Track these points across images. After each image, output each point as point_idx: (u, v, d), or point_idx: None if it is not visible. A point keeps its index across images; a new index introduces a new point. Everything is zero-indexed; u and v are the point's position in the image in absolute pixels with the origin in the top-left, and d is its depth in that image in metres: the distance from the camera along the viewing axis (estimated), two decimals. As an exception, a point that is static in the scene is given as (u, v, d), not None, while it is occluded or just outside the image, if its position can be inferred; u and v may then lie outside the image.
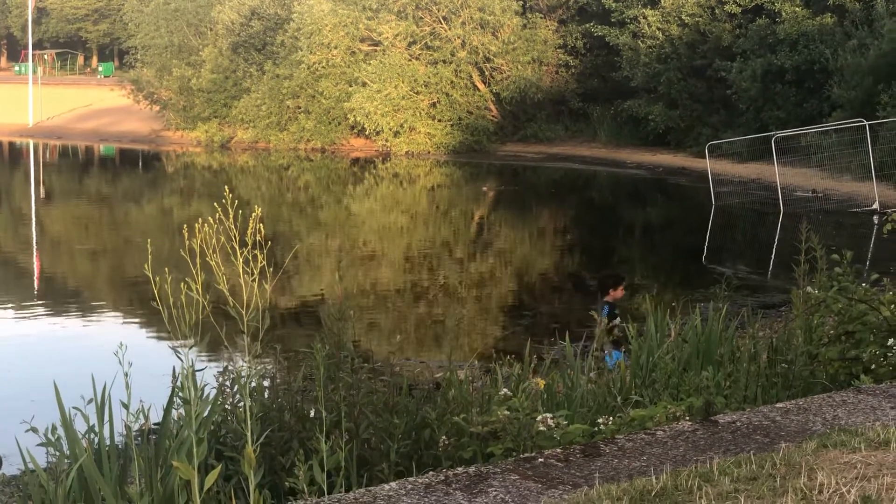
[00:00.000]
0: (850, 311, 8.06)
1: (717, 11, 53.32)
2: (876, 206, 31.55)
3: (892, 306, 7.92)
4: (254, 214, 5.03)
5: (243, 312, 4.84)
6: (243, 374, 5.75)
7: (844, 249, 8.78)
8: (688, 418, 5.53)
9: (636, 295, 19.48)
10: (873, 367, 7.29)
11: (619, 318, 12.45)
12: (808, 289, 8.73)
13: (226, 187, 5.45)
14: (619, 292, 13.49)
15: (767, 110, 48.68)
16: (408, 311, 21.98)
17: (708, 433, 4.98)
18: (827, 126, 39.09)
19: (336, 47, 64.06)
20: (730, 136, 47.04)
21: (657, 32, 54.99)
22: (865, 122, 34.07)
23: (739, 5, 52.05)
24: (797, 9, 49.62)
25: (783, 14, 49.66)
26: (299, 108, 66.44)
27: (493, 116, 64.31)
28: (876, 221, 29.87)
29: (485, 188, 46.41)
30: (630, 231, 36.62)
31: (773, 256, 26.61)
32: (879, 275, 10.01)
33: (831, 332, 8.31)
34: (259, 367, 6.53)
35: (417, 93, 61.90)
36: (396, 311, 21.87)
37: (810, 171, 38.73)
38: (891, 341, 7.40)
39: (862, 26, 44.16)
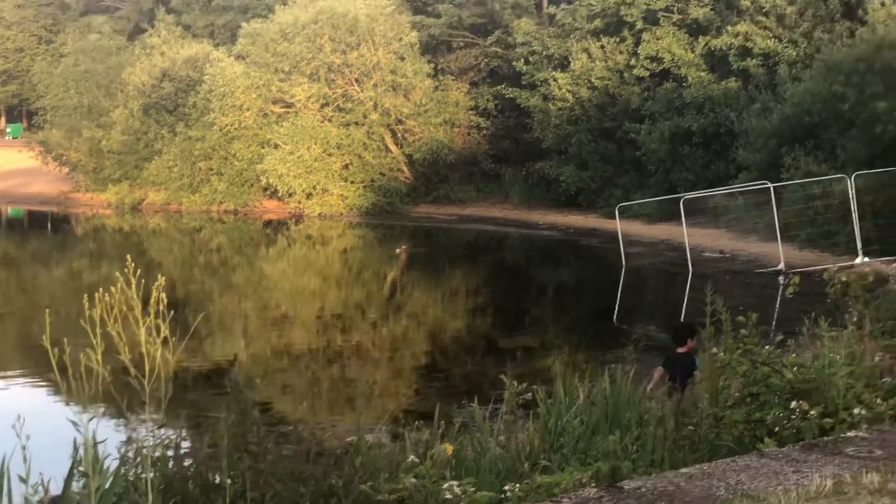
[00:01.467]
0: (755, 373, 8.15)
1: (625, 75, 54.13)
2: (781, 266, 32.03)
3: (795, 368, 8.02)
4: (157, 284, 4.97)
5: (145, 382, 4.78)
6: (146, 444, 5.66)
7: (750, 311, 8.90)
8: (594, 484, 5.54)
9: (547, 356, 19.54)
10: (777, 429, 7.37)
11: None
12: (715, 351, 8.82)
13: (129, 256, 5.38)
14: (696, 342, 12.86)
15: (676, 172, 49.37)
16: (319, 374, 21.83)
17: (613, 500, 4.99)
18: (733, 188, 39.68)
19: (248, 109, 63.99)
20: (640, 198, 47.56)
21: (567, 95, 55.65)
22: (770, 185, 34.65)
23: (647, 69, 52.91)
24: (703, 73, 50.55)
25: (689, 78, 50.56)
26: (211, 169, 66.18)
27: (405, 178, 64.51)
28: (781, 282, 30.32)
29: (398, 249, 46.41)
30: (542, 292, 36.77)
31: (682, 317, 26.85)
32: (784, 336, 10.14)
33: (737, 394, 8.38)
34: (163, 436, 6.43)
35: (330, 154, 61.96)
36: (308, 374, 21.71)
37: (718, 232, 39.25)
38: (793, 404, 7.49)
39: (765, 90, 45.06)
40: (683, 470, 5.71)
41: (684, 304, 29.08)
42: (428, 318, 30.46)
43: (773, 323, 23.28)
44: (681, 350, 12.88)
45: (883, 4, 36.79)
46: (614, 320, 28.22)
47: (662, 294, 33.92)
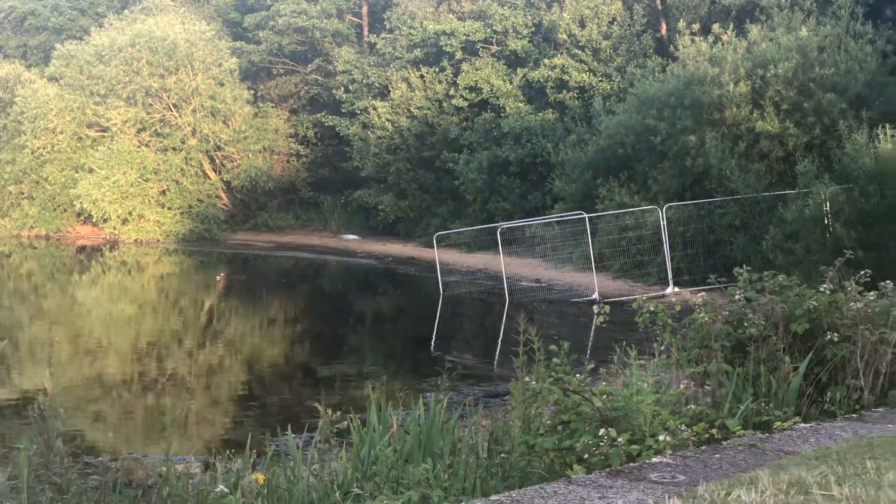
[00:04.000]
0: (566, 401, 8.29)
1: (444, 105, 54.67)
2: (596, 296, 32.65)
3: (605, 396, 8.18)
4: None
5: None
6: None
7: (563, 340, 9.05)
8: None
9: (364, 384, 19.51)
10: (586, 456, 7.49)
11: None
12: (528, 379, 8.94)
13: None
14: None
15: (494, 201, 50.00)
16: (133, 403, 21.37)
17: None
18: (549, 218, 40.35)
19: (62, 132, 62.64)
20: (458, 227, 48.03)
21: (387, 124, 55.99)
22: (585, 215, 35.35)
23: (466, 99, 53.55)
24: (521, 104, 51.39)
25: (507, 109, 51.35)
26: (22, 193, 64.47)
27: (223, 204, 63.93)
28: (596, 311, 30.92)
29: (218, 277, 45.84)
30: (360, 320, 36.71)
31: (498, 346, 27.12)
32: (597, 364, 10.33)
33: (548, 422, 8.51)
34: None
35: (147, 180, 61.04)
36: (121, 403, 21.24)
37: (535, 262, 39.80)
38: (602, 431, 7.64)
39: (581, 122, 46.02)
40: (493, 497, 5.76)
41: (501, 333, 29.41)
42: (245, 346, 30.13)
43: (588, 352, 23.66)
44: None
45: (693, 42, 37.93)
46: (431, 349, 28.33)
47: (479, 323, 34.23)
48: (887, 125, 28.33)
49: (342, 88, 60.16)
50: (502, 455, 8.04)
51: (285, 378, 25.43)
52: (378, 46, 60.41)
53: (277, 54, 65.96)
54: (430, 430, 8.46)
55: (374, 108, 56.70)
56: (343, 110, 60.10)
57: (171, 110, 62.21)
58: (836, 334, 9.17)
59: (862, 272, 10.05)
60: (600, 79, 48.81)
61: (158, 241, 60.84)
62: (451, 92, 54.39)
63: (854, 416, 8.20)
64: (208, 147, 62.77)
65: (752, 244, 31.33)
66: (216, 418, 20.04)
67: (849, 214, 27.55)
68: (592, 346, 25.35)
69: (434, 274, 38.10)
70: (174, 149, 62.28)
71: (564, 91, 49.57)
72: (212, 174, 63.71)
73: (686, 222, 33.98)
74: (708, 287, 15.38)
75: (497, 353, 26.08)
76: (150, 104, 62.09)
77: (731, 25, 39.05)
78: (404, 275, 46.34)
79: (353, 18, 66.76)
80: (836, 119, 32.20)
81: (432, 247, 41.34)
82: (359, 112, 58.65)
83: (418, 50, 56.73)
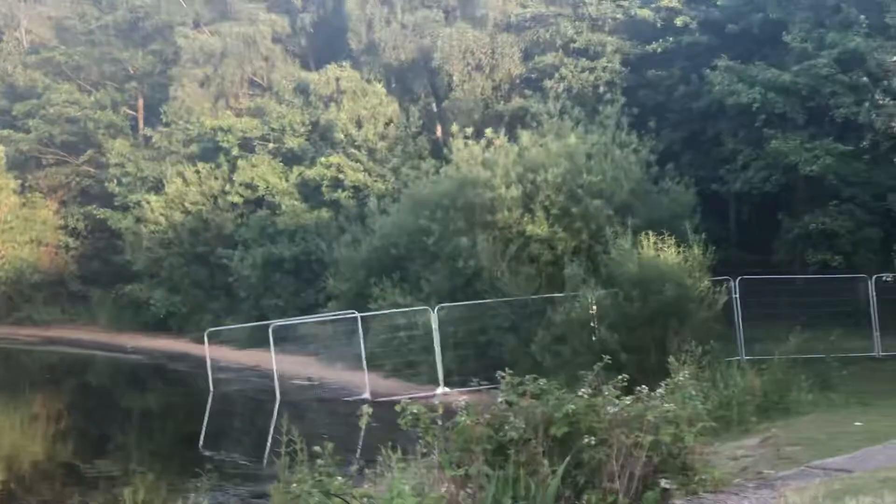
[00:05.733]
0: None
1: (220, 200, 54.29)
2: (367, 395, 32.66)
3: (365, 500, 8.19)
4: None
5: None
6: None
7: (331, 440, 9.04)
8: None
9: (129, 483, 18.97)
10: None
11: None
12: (294, 483, 8.86)
13: None
14: None
15: (267, 298, 49.69)
16: None
17: None
18: (322, 316, 40.28)
19: None
20: (231, 323, 47.53)
21: (160, 218, 55.24)
22: (357, 314, 35.45)
23: (242, 196, 53.32)
24: (296, 202, 51.41)
25: (283, 206, 51.32)
26: None
27: (-15, 297, 61.80)
28: (358, 413, 30.85)
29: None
30: (127, 417, 35.88)
31: (268, 445, 26.83)
32: (365, 465, 10.34)
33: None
34: None
35: None
36: None
37: (307, 360, 39.57)
38: (362, 534, 7.64)
39: (356, 222, 46.27)
40: None
41: (270, 432, 29.12)
42: (3, 444, 29.05)
43: (357, 452, 23.62)
44: None
45: (466, 145, 38.65)
46: (200, 447, 27.86)
47: (249, 421, 33.84)
48: (650, 232, 29.40)
49: (115, 181, 59.15)
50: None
51: (46, 477, 24.64)
52: (153, 140, 59.63)
53: (48, 144, 64.47)
54: (189, 534, 8.30)
55: (148, 202, 55.84)
56: (116, 203, 59.05)
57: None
58: (593, 438, 9.39)
59: (620, 376, 10.33)
60: (375, 179, 49.32)
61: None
62: (227, 188, 54.06)
63: (609, 518, 8.39)
64: (-29, 237, 60.81)
65: (522, 346, 31.86)
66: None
67: (613, 318, 28.39)
68: (363, 447, 25.31)
69: (205, 370, 37.54)
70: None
71: (340, 190, 49.87)
72: (-26, 265, 61.61)
73: (457, 323, 34.38)
74: (475, 389, 15.60)
75: (266, 452, 25.80)
76: None
77: (504, 130, 40.08)
78: (174, 371, 45.53)
79: (129, 111, 65.92)
80: (603, 225, 33.26)
81: (204, 343, 40.78)
82: (132, 205, 57.70)
83: (195, 145, 56.35)
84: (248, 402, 35.88)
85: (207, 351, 39.07)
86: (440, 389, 31.82)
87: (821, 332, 29.58)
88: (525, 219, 35.22)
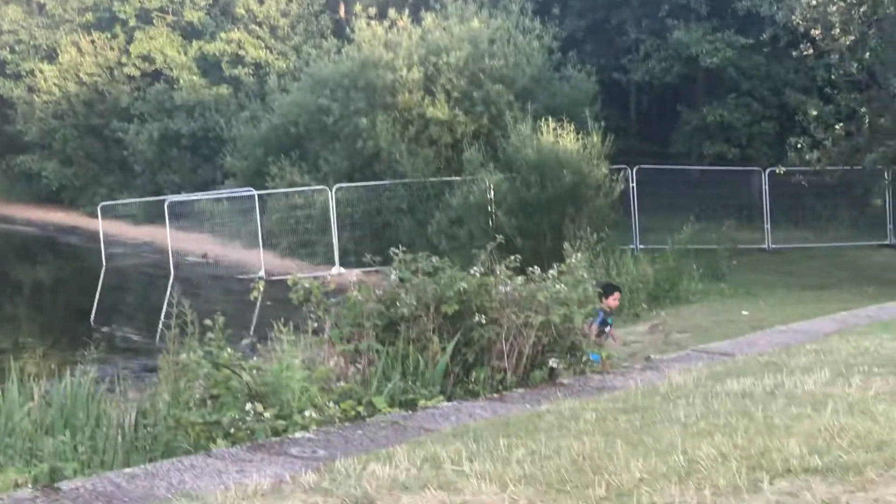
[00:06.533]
0: (216, 375, 8.22)
1: (116, 73, 53.19)
2: (262, 273, 32.56)
3: (255, 371, 8.15)
4: None
5: None
6: None
7: (224, 316, 8.95)
8: (30, 486, 5.38)
9: (18, 356, 18.76)
10: (233, 431, 7.44)
11: (608, 327, 13.56)
12: (183, 354, 8.79)
13: None
14: (611, 301, 13.94)
15: (163, 174, 49.07)
16: None
17: (48, 501, 4.86)
18: (219, 193, 39.93)
19: None
20: (126, 198, 46.94)
21: (54, 88, 53.98)
22: (255, 192, 35.19)
23: (139, 68, 52.28)
24: (195, 77, 50.55)
25: (181, 81, 50.44)
26: None
27: None
28: (252, 286, 30.77)
29: None
30: (17, 290, 35.39)
31: (161, 320, 26.66)
32: (258, 340, 10.30)
33: (198, 396, 8.40)
34: None
35: None
36: None
37: (203, 237, 39.29)
38: (249, 406, 7.61)
39: (255, 99, 45.70)
40: (127, 470, 5.63)
41: (164, 307, 28.94)
42: None
43: (251, 328, 23.57)
44: (599, 307, 13.54)
45: (369, 25, 38.17)
46: (91, 321, 27.60)
47: (143, 296, 33.59)
48: (550, 119, 29.43)
49: (7, 49, 57.56)
50: (148, 429, 7.90)
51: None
52: (47, 7, 57.96)
53: (-63, 8, 62.49)
54: (74, 403, 8.21)
55: (41, 72, 54.49)
56: (7, 71, 57.51)
57: None
58: (484, 317, 9.42)
59: (513, 257, 10.34)
60: (277, 56, 48.65)
61: None
62: (124, 60, 52.99)
63: (496, 395, 8.46)
64: None
65: (419, 228, 31.93)
66: None
67: (511, 203, 28.47)
68: (256, 324, 25.27)
69: (98, 245, 37.11)
70: None
71: (240, 66, 49.17)
72: None
73: (355, 204, 34.33)
74: (371, 269, 15.60)
75: (159, 327, 25.65)
76: None
77: (407, 12, 39.59)
78: (67, 245, 44.95)
79: (23, -23, 64.03)
80: (503, 110, 33.22)
81: (97, 217, 40.26)
82: (24, 74, 56.26)
83: (90, 14, 54.97)
84: (141, 277, 35.59)
85: (101, 225, 38.60)
86: (335, 269, 31.82)
87: (714, 224, 30.10)
88: (426, 101, 35.06)
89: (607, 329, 13.59)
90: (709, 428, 5.94)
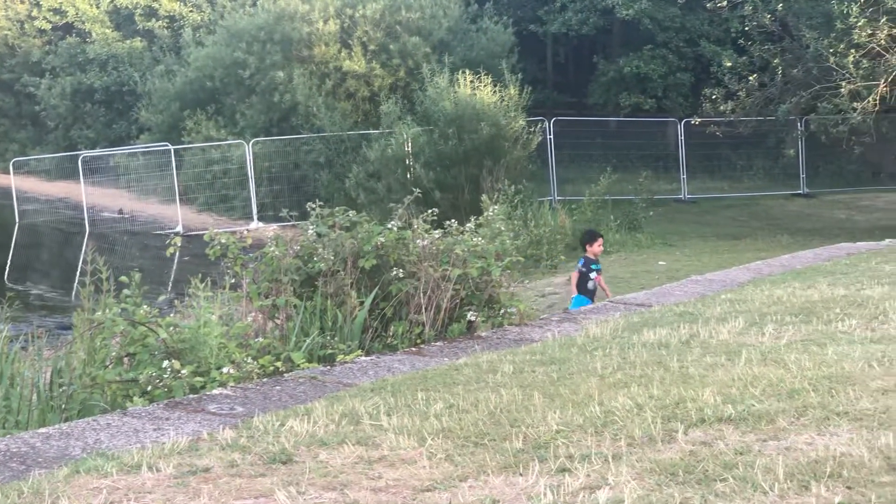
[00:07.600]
0: (132, 333, 8.15)
1: (26, 26, 52.28)
2: (179, 228, 32.30)
3: (172, 328, 8.10)
4: None
5: None
6: None
7: (140, 272, 8.87)
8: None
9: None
10: (150, 388, 7.40)
11: (594, 273, 13.75)
12: (98, 311, 8.69)
13: None
14: (595, 247, 14.08)
15: (77, 129, 48.42)
16: None
17: (-39, 463, 4.80)
18: (134, 148, 39.48)
19: None
20: (38, 153, 46.25)
21: (-37, 42, 52.94)
22: (171, 147, 34.83)
23: (50, 22, 51.38)
24: (108, 30, 49.83)
25: (94, 34, 49.67)
26: None
27: None
28: (168, 242, 30.53)
29: None
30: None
31: (76, 277, 26.38)
32: (176, 297, 10.20)
33: (115, 354, 8.33)
34: None
35: None
36: None
37: (119, 192, 38.82)
38: (166, 363, 7.56)
39: (170, 53, 45.14)
40: (42, 430, 5.58)
41: (79, 264, 28.59)
42: None
43: (169, 285, 23.41)
44: (584, 254, 14.13)
45: (285, -22, 37.84)
46: (5, 278, 27.25)
47: (57, 253, 33.17)
48: (467, 71, 29.41)
49: (-86, 2, 56.35)
50: (63, 388, 7.81)
51: None
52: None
53: None
54: (-14, 363, 8.08)
55: (-51, 25, 53.48)
56: None
57: None
58: (402, 270, 9.43)
59: (430, 210, 10.36)
60: (191, 9, 48.05)
61: None
62: (34, 13, 52.03)
63: (414, 349, 8.47)
64: None
65: (337, 182, 31.84)
66: None
67: (428, 156, 28.47)
68: (173, 280, 25.09)
69: (10, 201, 36.55)
70: None
71: (154, 19, 48.51)
72: None
73: (272, 158, 34.12)
74: (289, 224, 15.54)
75: (74, 284, 25.38)
76: None
77: (323, -37, 39.26)
78: (-23, 202, 44.20)
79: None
80: (420, 62, 33.16)
81: (8, 173, 39.61)
82: (-68, 27, 55.21)
83: (-1, -34, 53.94)
84: (55, 234, 35.14)
85: (13, 181, 37.98)
86: (253, 224, 31.65)
87: (631, 174, 30.32)
88: (342, 54, 34.90)
89: (593, 276, 13.71)
90: (625, 379, 6.00)
